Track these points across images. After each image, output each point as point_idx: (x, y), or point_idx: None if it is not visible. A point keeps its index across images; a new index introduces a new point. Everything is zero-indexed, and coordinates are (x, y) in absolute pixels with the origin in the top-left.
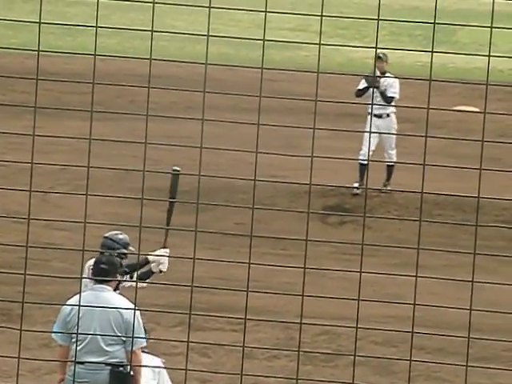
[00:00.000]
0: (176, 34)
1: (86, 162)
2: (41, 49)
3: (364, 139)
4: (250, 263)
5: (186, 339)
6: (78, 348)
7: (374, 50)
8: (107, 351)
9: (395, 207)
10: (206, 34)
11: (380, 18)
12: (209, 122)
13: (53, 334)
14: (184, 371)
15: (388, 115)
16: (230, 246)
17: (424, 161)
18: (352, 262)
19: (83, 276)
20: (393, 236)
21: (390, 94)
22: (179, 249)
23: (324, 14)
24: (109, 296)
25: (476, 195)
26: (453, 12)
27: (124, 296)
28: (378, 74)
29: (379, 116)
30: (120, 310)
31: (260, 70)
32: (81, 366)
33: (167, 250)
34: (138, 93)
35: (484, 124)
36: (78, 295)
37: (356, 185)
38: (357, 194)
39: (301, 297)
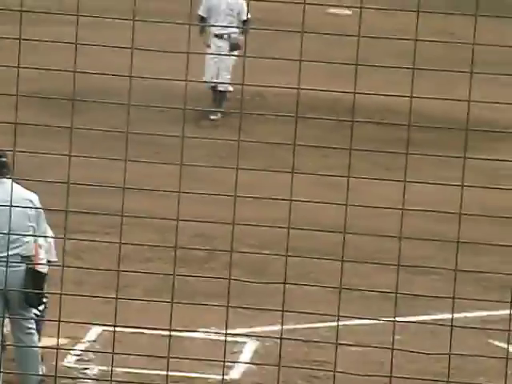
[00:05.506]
0: None
1: None
2: None
3: (206, 65)
4: (126, 160)
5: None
6: None
7: None
8: (22, 242)
9: (269, 111)
10: None
11: None
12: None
13: None
14: (60, 271)
15: (229, 36)
16: (104, 150)
17: (300, 61)
18: (226, 165)
19: None
20: (267, 139)
21: (246, 17)
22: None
23: None
24: (13, 187)
25: (351, 95)
26: None
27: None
28: None
29: (220, 36)
30: (31, 199)
31: None
32: None
33: None
34: None
35: (360, 25)
36: None
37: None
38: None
39: (176, 200)
